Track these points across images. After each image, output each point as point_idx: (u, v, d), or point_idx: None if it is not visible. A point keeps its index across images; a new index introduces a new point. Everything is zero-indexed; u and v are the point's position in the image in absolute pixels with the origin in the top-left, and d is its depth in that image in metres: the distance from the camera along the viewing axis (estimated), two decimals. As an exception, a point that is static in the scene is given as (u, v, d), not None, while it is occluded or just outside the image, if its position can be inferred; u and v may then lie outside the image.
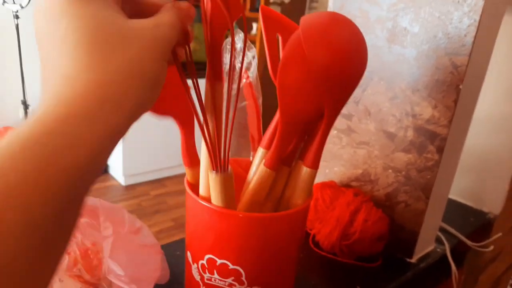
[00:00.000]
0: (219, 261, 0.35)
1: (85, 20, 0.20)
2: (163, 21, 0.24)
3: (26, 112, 2.39)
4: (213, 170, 0.33)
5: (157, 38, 0.23)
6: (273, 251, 0.36)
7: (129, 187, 2.65)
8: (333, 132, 0.67)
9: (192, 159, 0.38)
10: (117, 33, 0.21)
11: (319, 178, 0.70)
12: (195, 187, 0.39)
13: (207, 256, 0.35)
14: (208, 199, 0.37)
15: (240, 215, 0.34)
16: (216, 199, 0.34)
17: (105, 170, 2.81)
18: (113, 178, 2.76)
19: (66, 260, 0.41)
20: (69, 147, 0.18)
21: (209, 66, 0.33)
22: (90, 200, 0.41)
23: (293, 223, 0.36)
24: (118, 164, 2.63)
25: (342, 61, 0.31)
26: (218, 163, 0.33)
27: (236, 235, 0.34)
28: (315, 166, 0.36)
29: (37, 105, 0.20)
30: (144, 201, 2.50)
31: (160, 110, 0.34)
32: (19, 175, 0.16)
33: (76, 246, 0.42)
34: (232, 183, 0.34)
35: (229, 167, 0.34)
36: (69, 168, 0.18)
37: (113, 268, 0.37)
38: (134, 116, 0.22)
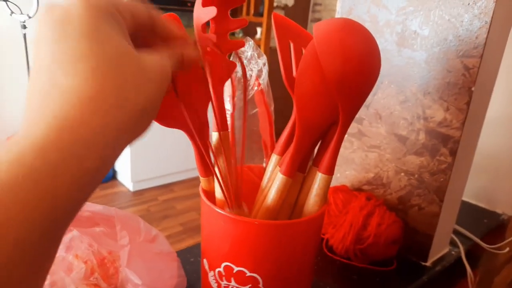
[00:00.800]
0: (236, 269, 0.35)
1: (108, 47, 0.20)
2: (167, 63, 0.24)
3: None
4: (228, 208, 0.35)
5: (163, 79, 0.23)
6: (290, 258, 0.36)
7: (137, 193, 2.66)
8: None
9: (206, 168, 0.38)
10: (132, 71, 0.21)
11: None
12: (209, 193, 0.39)
13: (224, 264, 0.36)
14: (223, 205, 0.38)
15: (256, 223, 0.34)
16: None
17: (113, 176, 2.82)
18: (121, 184, 2.77)
19: (83, 269, 0.41)
20: (77, 158, 0.18)
21: (216, 118, 0.34)
22: (106, 209, 0.41)
23: (309, 230, 0.37)
24: (126, 170, 2.64)
25: (356, 68, 0.31)
26: (231, 204, 0.34)
27: (252, 242, 0.35)
28: (330, 172, 0.36)
29: (26, 117, 0.19)
30: (153, 206, 2.51)
31: (171, 123, 0.34)
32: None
33: (93, 255, 0.42)
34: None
35: (243, 204, 0.35)
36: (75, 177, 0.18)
37: (131, 277, 0.37)
38: (123, 145, 0.21)
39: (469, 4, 0.51)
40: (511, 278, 0.95)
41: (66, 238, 0.43)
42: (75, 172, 0.18)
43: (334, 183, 0.69)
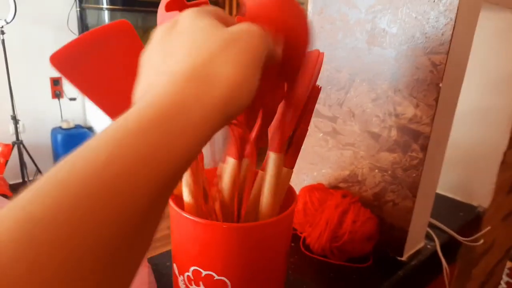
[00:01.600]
0: (204, 273, 0.35)
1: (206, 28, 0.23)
2: (252, 28, 0.25)
3: (16, 127, 2.37)
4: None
5: (253, 42, 0.24)
6: (258, 260, 0.36)
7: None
8: (319, 135, 0.67)
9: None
10: (222, 36, 0.23)
11: (308, 181, 0.71)
12: (178, 198, 0.39)
13: (192, 268, 0.35)
14: (191, 210, 0.37)
15: (224, 226, 0.34)
16: None
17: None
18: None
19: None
20: (175, 137, 0.19)
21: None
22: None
23: (277, 230, 0.37)
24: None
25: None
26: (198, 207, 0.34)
27: (218, 245, 0.34)
28: (291, 165, 0.36)
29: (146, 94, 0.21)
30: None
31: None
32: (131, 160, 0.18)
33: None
34: None
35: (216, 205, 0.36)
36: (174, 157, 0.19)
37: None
38: (224, 118, 0.22)
39: (434, 1, 0.51)
40: (489, 269, 0.97)
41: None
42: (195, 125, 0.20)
43: (311, 181, 0.70)
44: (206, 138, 0.21)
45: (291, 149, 0.38)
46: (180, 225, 0.37)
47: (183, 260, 0.37)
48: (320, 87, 0.41)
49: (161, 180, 0.18)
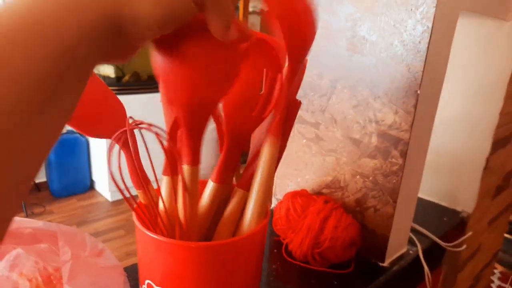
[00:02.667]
0: None
1: None
2: None
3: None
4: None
5: None
6: (217, 279, 0.35)
7: (116, 203, 2.62)
8: (302, 141, 0.68)
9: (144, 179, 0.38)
10: None
11: (292, 187, 0.71)
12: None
13: (146, 281, 0.36)
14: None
15: (167, 241, 0.33)
16: None
17: (90, 186, 2.78)
18: (99, 194, 2.73)
19: (28, 287, 0.40)
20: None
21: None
22: (48, 225, 0.41)
23: (236, 252, 0.35)
24: (104, 180, 2.61)
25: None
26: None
27: (166, 263, 0.34)
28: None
29: None
30: (132, 216, 2.48)
31: (92, 131, 0.34)
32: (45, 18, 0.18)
33: (38, 272, 0.41)
34: None
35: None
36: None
37: (74, 293, 0.37)
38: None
39: (411, 9, 0.52)
40: (476, 273, 0.97)
41: (10, 256, 0.42)
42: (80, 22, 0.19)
43: (295, 187, 0.70)
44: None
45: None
46: (138, 237, 0.37)
47: (141, 272, 0.37)
48: (300, 101, 0.41)
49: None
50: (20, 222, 0.40)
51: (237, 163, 0.38)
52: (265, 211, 0.37)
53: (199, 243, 0.34)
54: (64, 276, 0.37)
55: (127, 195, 0.33)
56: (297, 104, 0.41)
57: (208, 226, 0.38)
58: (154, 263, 0.35)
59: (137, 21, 0.21)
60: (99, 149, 2.59)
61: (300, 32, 0.33)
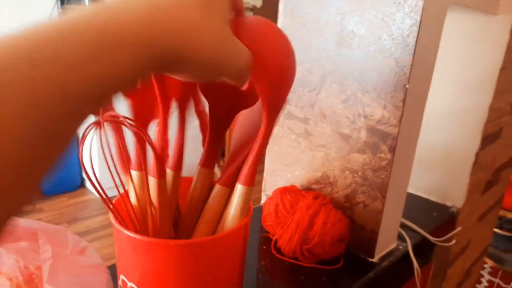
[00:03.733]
0: (128, 284, 0.34)
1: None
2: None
3: None
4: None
5: (246, 63, 0.27)
6: (190, 277, 0.34)
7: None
8: (292, 137, 0.67)
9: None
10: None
11: (281, 183, 0.70)
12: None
13: (121, 276, 0.35)
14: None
15: (138, 238, 0.32)
16: None
17: (81, 184, 2.75)
18: (90, 193, 2.71)
19: (7, 287, 0.39)
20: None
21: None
22: (29, 223, 0.39)
23: (217, 249, 0.35)
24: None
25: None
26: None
27: (138, 260, 0.33)
28: (249, 182, 0.35)
29: None
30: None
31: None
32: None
33: (19, 271, 0.40)
34: None
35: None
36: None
37: (55, 292, 0.36)
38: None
39: (400, 3, 0.52)
40: (466, 268, 0.97)
41: (-11, 254, 0.41)
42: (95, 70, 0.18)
43: (284, 183, 0.70)
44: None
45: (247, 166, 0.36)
46: (114, 232, 0.36)
47: (118, 267, 0.36)
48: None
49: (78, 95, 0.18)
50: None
51: (219, 147, 0.37)
52: (247, 209, 0.36)
53: (178, 241, 0.33)
54: (45, 275, 0.36)
55: (95, 183, 0.32)
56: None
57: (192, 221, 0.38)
58: (127, 259, 0.34)
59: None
60: (89, 147, 2.56)
61: (278, 92, 0.33)
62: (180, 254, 0.32)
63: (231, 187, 0.37)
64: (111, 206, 0.34)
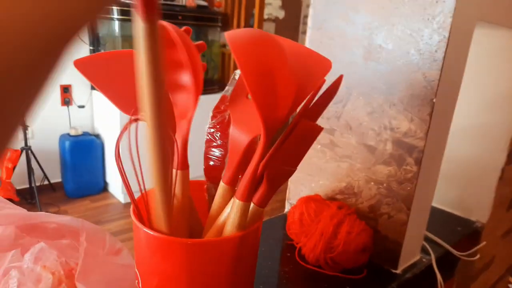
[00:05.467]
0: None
1: None
2: None
3: (25, 133, 2.41)
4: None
5: None
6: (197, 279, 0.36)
7: (129, 205, 2.65)
8: (317, 147, 0.68)
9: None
10: None
11: (305, 192, 0.72)
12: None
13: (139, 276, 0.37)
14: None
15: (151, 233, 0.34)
16: None
17: (104, 188, 2.82)
18: (112, 196, 2.77)
19: (50, 280, 0.42)
20: None
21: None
22: (73, 221, 0.42)
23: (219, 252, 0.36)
24: (117, 182, 2.64)
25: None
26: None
27: (154, 256, 0.35)
28: (244, 198, 0.35)
29: None
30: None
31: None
32: None
33: (61, 266, 0.43)
34: None
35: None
36: None
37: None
38: None
39: (428, 19, 0.53)
40: (489, 285, 0.96)
41: (34, 249, 0.44)
42: None
43: (308, 192, 0.71)
44: None
45: (262, 187, 0.37)
46: (137, 238, 0.38)
47: (136, 265, 0.38)
48: (321, 127, 0.41)
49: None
50: (46, 217, 0.41)
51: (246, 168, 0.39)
52: (244, 223, 0.37)
53: (191, 240, 0.35)
54: (78, 272, 0.38)
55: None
56: (318, 129, 0.41)
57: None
58: (144, 256, 0.36)
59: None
60: (114, 151, 2.62)
61: (275, 108, 0.33)
62: (196, 253, 0.34)
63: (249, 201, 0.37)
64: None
